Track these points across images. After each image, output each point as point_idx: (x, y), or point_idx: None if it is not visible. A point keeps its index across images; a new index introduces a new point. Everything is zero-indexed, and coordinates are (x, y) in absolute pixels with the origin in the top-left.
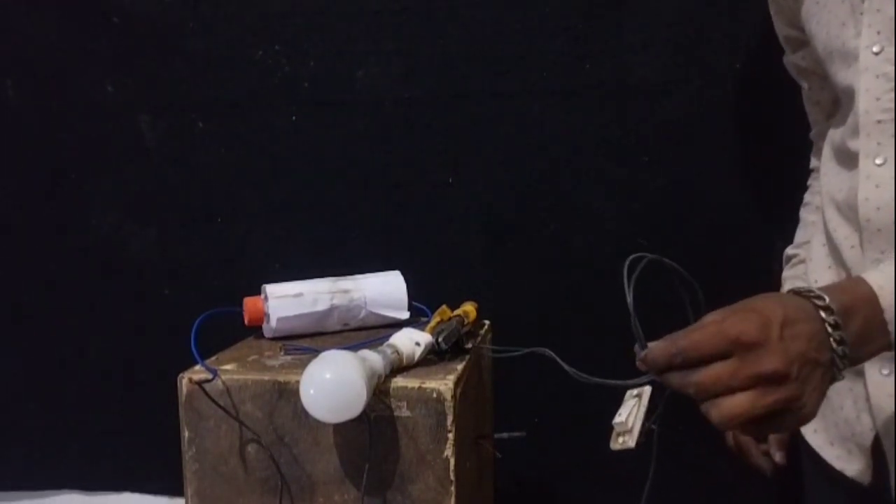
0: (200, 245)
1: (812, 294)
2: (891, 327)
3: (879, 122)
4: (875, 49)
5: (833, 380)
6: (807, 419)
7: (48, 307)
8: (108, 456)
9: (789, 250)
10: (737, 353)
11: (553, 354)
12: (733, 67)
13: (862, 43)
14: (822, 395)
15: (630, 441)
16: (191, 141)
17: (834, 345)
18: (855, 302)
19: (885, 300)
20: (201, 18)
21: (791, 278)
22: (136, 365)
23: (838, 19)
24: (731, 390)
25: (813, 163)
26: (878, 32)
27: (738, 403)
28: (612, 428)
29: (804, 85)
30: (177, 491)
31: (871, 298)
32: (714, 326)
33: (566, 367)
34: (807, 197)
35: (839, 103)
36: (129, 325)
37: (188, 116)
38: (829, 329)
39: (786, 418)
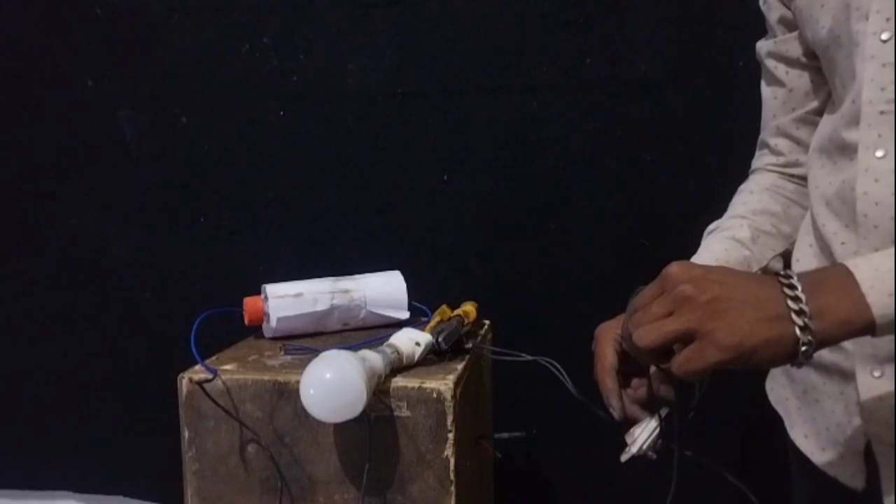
0: (200, 245)
1: (778, 272)
2: (870, 299)
3: (882, 112)
4: (884, 37)
5: (796, 342)
6: (722, 350)
7: (43, 308)
8: (103, 458)
9: (712, 225)
10: (665, 289)
11: (558, 368)
12: (736, 64)
13: (869, 29)
14: (749, 333)
15: (633, 448)
16: (174, 137)
17: (789, 302)
18: (825, 276)
19: (862, 275)
20: (187, 10)
21: (704, 245)
22: (132, 368)
23: (843, 2)
24: (656, 319)
25: (753, 164)
26: (888, 19)
27: (651, 326)
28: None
29: (782, 70)
30: (168, 498)
31: (845, 274)
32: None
33: (569, 384)
34: (739, 188)
35: (811, 96)
36: (123, 327)
37: (171, 111)
38: (785, 289)
39: (697, 344)
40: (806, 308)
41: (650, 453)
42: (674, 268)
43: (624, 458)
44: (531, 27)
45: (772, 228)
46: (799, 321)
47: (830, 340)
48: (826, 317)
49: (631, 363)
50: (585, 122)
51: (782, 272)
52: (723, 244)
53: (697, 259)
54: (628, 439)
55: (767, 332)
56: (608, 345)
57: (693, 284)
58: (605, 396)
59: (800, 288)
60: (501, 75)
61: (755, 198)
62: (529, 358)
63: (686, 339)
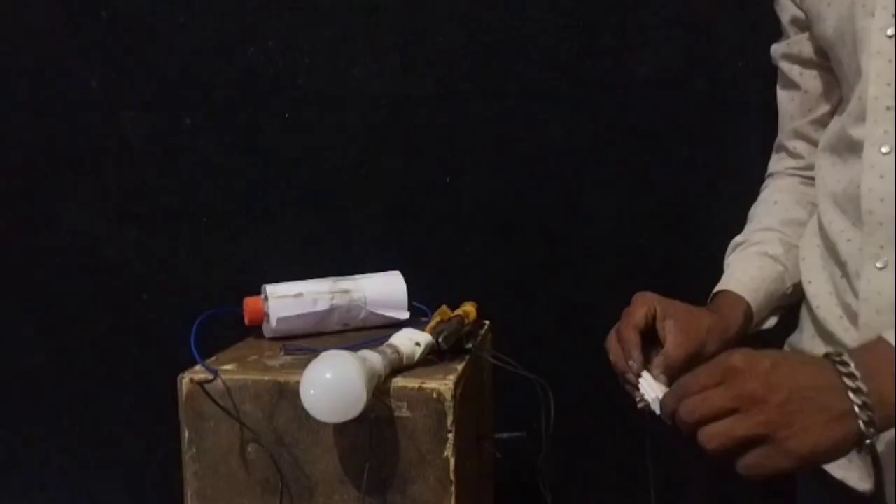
0: (201, 245)
1: (830, 353)
2: None
3: (888, 108)
4: (889, 32)
5: (861, 437)
6: (794, 459)
7: (41, 309)
8: (102, 458)
9: (739, 237)
10: (726, 380)
11: (548, 393)
12: (736, 65)
13: (875, 25)
14: (820, 439)
15: (647, 397)
16: (178, 138)
17: (851, 395)
18: (877, 357)
19: None
20: (192, 12)
21: (737, 260)
22: (131, 368)
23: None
24: (716, 413)
25: (771, 167)
26: (894, 15)
27: (719, 425)
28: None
29: (796, 72)
30: (168, 498)
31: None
32: (714, 361)
33: (549, 414)
34: (761, 195)
35: (827, 97)
36: (122, 327)
37: (175, 113)
38: (846, 379)
39: (768, 449)
40: (868, 400)
41: (654, 408)
42: (737, 360)
43: (640, 405)
44: (532, 30)
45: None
46: (864, 416)
47: (889, 427)
48: (885, 405)
49: (652, 337)
50: (586, 124)
51: (837, 357)
52: (756, 261)
53: (732, 279)
54: (638, 394)
55: (835, 435)
56: (642, 307)
57: (762, 383)
58: (626, 349)
59: (859, 376)
60: (503, 77)
61: (781, 208)
62: (527, 374)
63: (756, 442)
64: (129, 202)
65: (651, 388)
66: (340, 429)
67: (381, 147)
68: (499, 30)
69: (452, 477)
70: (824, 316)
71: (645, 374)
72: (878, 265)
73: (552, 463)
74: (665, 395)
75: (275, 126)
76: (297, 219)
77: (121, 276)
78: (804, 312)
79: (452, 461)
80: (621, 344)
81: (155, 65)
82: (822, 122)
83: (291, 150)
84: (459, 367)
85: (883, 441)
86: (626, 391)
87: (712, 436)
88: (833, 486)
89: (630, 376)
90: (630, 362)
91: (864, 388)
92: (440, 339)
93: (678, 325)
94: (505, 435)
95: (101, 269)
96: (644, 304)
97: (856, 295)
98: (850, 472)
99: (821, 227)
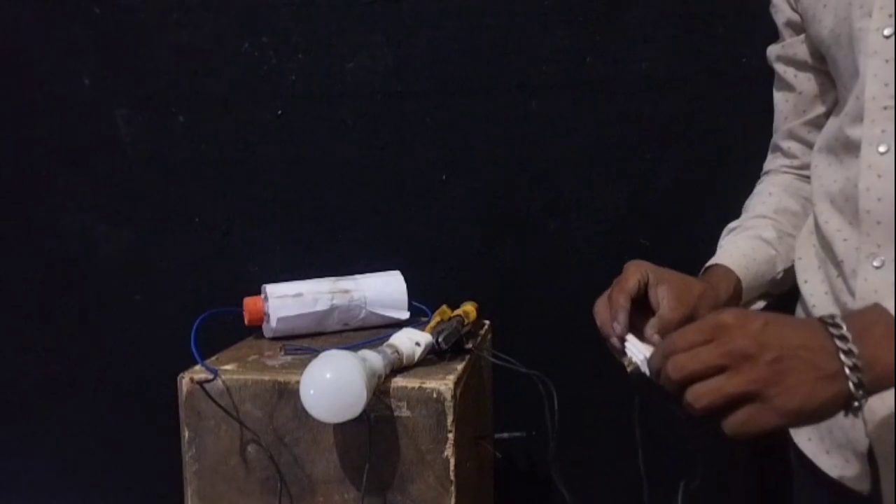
0: (199, 245)
1: (822, 316)
2: None
3: (886, 108)
4: (886, 32)
5: (850, 398)
6: (782, 416)
7: (36, 309)
8: (100, 460)
9: (732, 223)
10: (716, 337)
11: (551, 388)
12: (738, 62)
13: (872, 25)
14: (810, 398)
15: (636, 360)
16: (171, 136)
17: (843, 356)
18: (868, 321)
19: None
20: (185, 8)
21: (730, 241)
22: (130, 369)
23: (846, 0)
24: (704, 370)
25: (767, 166)
26: (890, 15)
27: (709, 382)
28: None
29: (791, 74)
30: (168, 498)
31: (888, 320)
32: (704, 318)
33: (553, 408)
34: (756, 189)
35: (821, 99)
36: (120, 327)
37: (169, 110)
38: (837, 341)
39: (756, 407)
40: (859, 362)
41: (643, 369)
42: (729, 317)
43: (629, 369)
44: (531, 26)
45: (793, 230)
46: (854, 377)
47: (878, 390)
48: (875, 367)
49: (643, 305)
50: (585, 122)
51: (830, 319)
52: (749, 243)
53: (724, 254)
54: (628, 355)
55: (825, 394)
56: (635, 273)
57: (753, 341)
58: (614, 311)
59: (850, 338)
60: (500, 74)
61: (775, 199)
62: (526, 371)
63: (745, 400)
64: (122, 200)
65: (638, 350)
66: (340, 428)
67: (378, 145)
68: (496, 25)
69: (452, 476)
70: (820, 315)
71: (630, 336)
72: (875, 264)
73: (558, 460)
74: (652, 353)
75: (269, 123)
76: (296, 219)
77: (117, 275)
78: (800, 312)
79: (452, 461)
80: (610, 307)
81: (148, 62)
82: (817, 124)
83: (287, 148)
84: (459, 367)
85: (881, 441)
86: (615, 359)
87: (701, 394)
88: (830, 486)
89: (615, 340)
90: (615, 324)
91: (855, 349)
92: (440, 339)
93: (672, 291)
94: (505, 435)
95: (96, 269)
96: (637, 272)
97: (852, 294)
98: (847, 471)
99: (817, 227)
